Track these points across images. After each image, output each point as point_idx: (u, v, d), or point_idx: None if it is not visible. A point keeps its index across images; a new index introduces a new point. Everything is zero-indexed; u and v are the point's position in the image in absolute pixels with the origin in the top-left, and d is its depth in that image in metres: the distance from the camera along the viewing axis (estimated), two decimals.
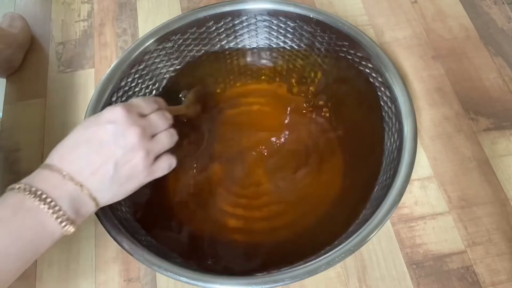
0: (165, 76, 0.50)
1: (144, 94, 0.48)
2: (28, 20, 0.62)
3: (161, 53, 0.48)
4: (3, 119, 0.55)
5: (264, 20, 0.50)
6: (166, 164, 0.36)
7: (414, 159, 0.39)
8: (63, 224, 0.30)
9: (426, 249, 0.45)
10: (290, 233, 0.44)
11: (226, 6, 0.48)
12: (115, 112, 0.32)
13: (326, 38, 0.48)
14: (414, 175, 0.47)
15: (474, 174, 0.49)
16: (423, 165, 0.49)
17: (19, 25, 0.60)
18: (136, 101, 0.35)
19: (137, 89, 0.48)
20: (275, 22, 0.50)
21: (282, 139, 0.50)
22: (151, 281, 0.44)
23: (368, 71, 0.46)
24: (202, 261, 0.41)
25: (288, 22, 0.49)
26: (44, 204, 0.29)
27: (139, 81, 0.48)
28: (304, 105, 0.51)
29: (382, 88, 0.45)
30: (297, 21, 0.49)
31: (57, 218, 0.29)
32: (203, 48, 0.51)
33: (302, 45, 0.51)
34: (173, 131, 0.37)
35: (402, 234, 0.46)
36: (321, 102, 0.51)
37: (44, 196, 0.29)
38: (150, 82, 0.49)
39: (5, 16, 0.63)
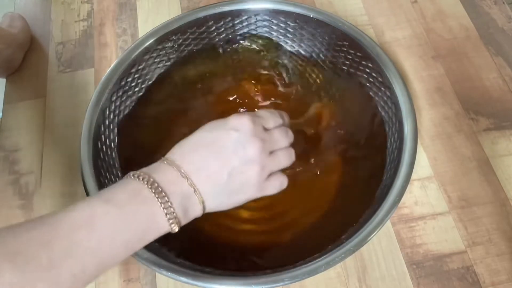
0: (161, 71, 0.49)
1: (144, 94, 0.48)
2: (28, 20, 0.62)
3: (161, 53, 0.48)
4: (3, 119, 0.55)
5: (264, 20, 0.50)
6: (278, 183, 0.34)
7: (414, 159, 0.39)
8: (171, 221, 0.30)
9: (426, 249, 0.45)
10: (290, 233, 0.44)
11: (226, 6, 0.48)
12: (242, 121, 0.32)
13: (326, 38, 0.48)
14: (414, 175, 0.47)
15: (474, 174, 0.49)
16: (423, 165, 0.49)
17: (19, 25, 0.60)
18: (263, 113, 0.35)
19: (137, 89, 0.48)
20: (275, 22, 0.50)
21: None
22: (151, 281, 0.44)
23: (368, 70, 0.46)
24: (202, 261, 0.41)
25: (288, 22, 0.49)
26: (158, 197, 0.29)
27: (139, 81, 0.48)
28: (304, 105, 0.51)
29: (382, 88, 0.45)
30: (297, 21, 0.49)
31: (166, 214, 0.29)
32: (203, 48, 0.51)
33: (302, 45, 0.51)
34: (291, 151, 0.36)
35: (402, 234, 0.46)
36: (321, 102, 0.51)
37: (159, 189, 0.29)
38: (150, 82, 0.49)
39: (5, 16, 0.63)
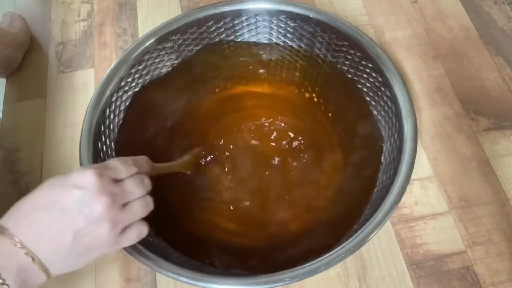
0: (161, 71, 0.49)
1: (144, 94, 0.48)
2: (28, 20, 0.62)
3: (161, 53, 0.48)
4: (3, 119, 0.55)
5: (264, 20, 0.50)
6: (136, 234, 0.32)
7: (414, 159, 0.39)
8: None
9: (426, 249, 0.45)
10: (290, 233, 0.44)
11: (226, 6, 0.48)
12: (85, 177, 0.29)
13: (326, 38, 0.48)
14: (414, 175, 0.47)
15: (474, 174, 0.49)
16: (423, 165, 0.49)
17: (19, 25, 0.60)
18: (112, 163, 0.32)
19: (137, 89, 0.48)
20: (275, 22, 0.50)
21: (282, 139, 0.50)
22: (151, 281, 0.44)
23: (368, 70, 0.46)
24: (202, 261, 0.41)
25: (288, 22, 0.49)
26: None
27: (139, 81, 0.48)
28: (304, 105, 0.51)
29: (382, 88, 0.45)
30: (297, 21, 0.49)
31: None
32: (203, 48, 0.51)
33: (302, 45, 0.51)
34: (149, 199, 0.33)
35: (402, 234, 0.46)
36: (321, 102, 0.51)
37: None
38: (150, 82, 0.49)
39: (5, 16, 0.63)
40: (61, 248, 0.29)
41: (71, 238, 0.28)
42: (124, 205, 0.31)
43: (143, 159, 0.35)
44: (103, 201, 0.29)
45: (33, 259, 0.28)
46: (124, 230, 0.31)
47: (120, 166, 0.32)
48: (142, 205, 0.32)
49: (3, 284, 0.27)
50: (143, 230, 0.33)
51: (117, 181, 0.31)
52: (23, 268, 0.28)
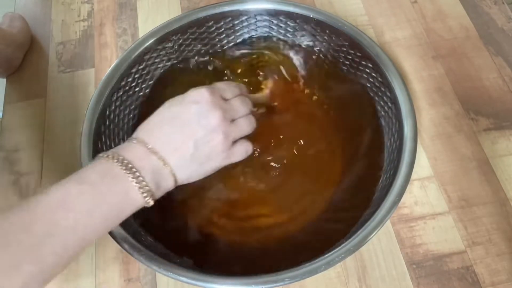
0: (162, 71, 0.49)
1: (144, 94, 0.48)
2: (28, 20, 0.62)
3: (161, 53, 0.48)
4: (3, 119, 0.55)
5: (264, 20, 0.50)
6: (243, 149, 0.36)
7: (414, 159, 0.39)
8: (144, 195, 0.31)
9: (426, 249, 0.45)
10: (290, 233, 0.44)
11: (226, 6, 0.48)
12: (200, 93, 0.34)
13: (326, 38, 0.48)
14: (414, 175, 0.47)
15: (474, 174, 0.49)
16: (423, 165, 0.49)
17: (19, 25, 0.60)
18: (220, 84, 0.36)
19: (137, 89, 0.48)
20: (275, 22, 0.50)
21: (282, 139, 0.50)
22: (151, 281, 0.44)
23: (368, 70, 0.46)
24: (202, 261, 0.41)
25: (288, 22, 0.49)
26: (129, 173, 0.30)
27: (139, 81, 0.48)
28: (304, 104, 0.51)
29: (382, 88, 0.45)
30: (297, 21, 0.49)
31: (139, 188, 0.30)
32: (203, 48, 0.51)
33: (302, 45, 0.51)
34: (252, 118, 0.37)
35: (402, 234, 0.46)
36: (321, 102, 0.51)
37: (130, 165, 0.30)
38: (150, 82, 0.49)
39: (5, 16, 0.63)
40: (185, 156, 0.33)
41: (193, 147, 0.33)
42: (232, 121, 0.35)
43: (242, 85, 0.39)
44: (217, 113, 0.33)
45: (164, 163, 0.32)
46: (233, 144, 0.35)
47: (226, 87, 0.36)
48: (247, 122, 0.36)
49: (142, 181, 0.30)
50: (249, 147, 0.37)
51: (225, 100, 0.35)
52: (157, 170, 0.31)
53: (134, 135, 0.33)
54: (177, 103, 0.34)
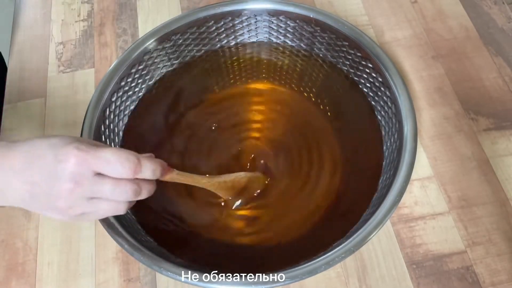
0: (161, 71, 0.49)
1: (144, 94, 0.48)
2: (28, 20, 0.62)
3: (161, 53, 0.48)
4: (3, 119, 0.55)
5: (264, 20, 0.50)
6: (91, 218, 0.32)
7: (414, 159, 0.39)
8: None
9: (426, 249, 0.45)
10: (290, 233, 0.44)
11: (226, 6, 0.48)
12: (68, 155, 0.29)
13: (326, 38, 0.48)
14: (414, 175, 0.47)
15: (474, 174, 0.49)
16: (423, 165, 0.49)
17: None
18: (108, 155, 0.30)
19: (137, 89, 0.48)
20: (275, 22, 0.50)
21: (282, 139, 0.50)
22: (151, 281, 0.44)
23: (368, 70, 0.46)
24: (202, 261, 0.41)
25: (288, 22, 0.49)
26: None
27: (139, 81, 0.48)
28: (304, 104, 0.51)
29: (382, 88, 0.45)
30: (297, 21, 0.49)
31: None
32: (203, 48, 0.51)
33: (302, 45, 0.51)
34: (121, 205, 0.32)
35: (402, 234, 0.46)
36: (320, 102, 0.51)
37: None
38: (150, 82, 0.49)
39: None
40: (25, 194, 0.30)
41: (29, 192, 0.30)
42: (92, 198, 0.31)
43: (154, 164, 0.32)
44: (66, 185, 0.29)
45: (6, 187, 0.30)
46: (82, 214, 0.31)
47: (112, 160, 0.30)
48: (107, 207, 0.31)
49: None
50: (94, 217, 0.32)
51: (97, 173, 0.30)
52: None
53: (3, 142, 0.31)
54: (51, 147, 0.30)
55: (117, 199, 0.31)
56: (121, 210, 0.32)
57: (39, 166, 0.30)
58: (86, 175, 0.29)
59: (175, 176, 0.35)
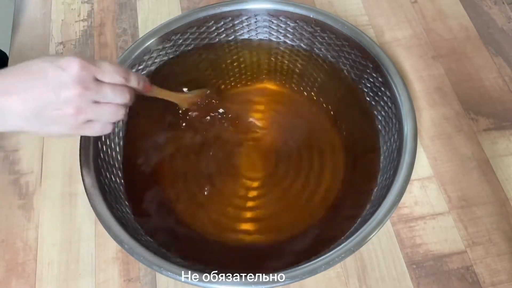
0: (161, 71, 0.49)
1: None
2: (28, 20, 0.62)
3: (161, 53, 0.48)
4: None
5: (264, 20, 0.50)
6: (98, 129, 0.35)
7: (414, 159, 0.39)
8: None
9: (426, 249, 0.45)
10: (290, 233, 0.44)
11: (226, 6, 0.48)
12: (71, 63, 0.32)
13: (326, 38, 0.48)
14: (414, 175, 0.47)
15: (474, 174, 0.49)
16: (423, 165, 0.49)
17: None
18: (103, 64, 0.34)
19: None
20: (275, 22, 0.50)
21: (282, 139, 0.50)
22: (151, 281, 0.44)
23: (368, 70, 0.46)
24: (202, 261, 0.41)
25: (288, 22, 0.49)
26: None
27: None
28: (304, 104, 0.51)
29: (382, 88, 0.45)
30: (297, 21, 0.49)
31: None
32: (203, 47, 0.51)
33: (302, 45, 0.51)
34: (120, 109, 0.35)
35: (402, 234, 0.46)
36: (321, 102, 0.51)
37: None
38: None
39: None
40: (27, 110, 0.32)
41: (35, 107, 0.31)
42: (96, 102, 0.33)
43: (138, 77, 0.37)
44: (74, 89, 0.32)
45: (4, 107, 0.31)
46: (88, 122, 0.34)
47: (108, 69, 0.34)
48: (111, 110, 0.35)
49: None
50: (106, 129, 0.36)
51: (98, 80, 0.33)
52: None
53: None
54: (48, 60, 0.32)
55: (116, 101, 0.35)
56: (120, 114, 0.36)
57: (42, 79, 0.31)
58: (90, 79, 0.33)
59: (154, 90, 0.41)
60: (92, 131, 0.35)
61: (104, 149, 0.43)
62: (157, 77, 0.48)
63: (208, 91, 0.50)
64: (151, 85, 0.40)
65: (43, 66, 0.32)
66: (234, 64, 0.53)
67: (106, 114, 0.35)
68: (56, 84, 0.31)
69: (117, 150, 0.45)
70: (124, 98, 0.35)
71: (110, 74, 0.34)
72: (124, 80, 0.35)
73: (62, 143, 0.52)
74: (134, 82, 0.37)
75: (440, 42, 0.58)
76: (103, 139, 0.43)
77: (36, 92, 0.31)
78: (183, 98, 0.48)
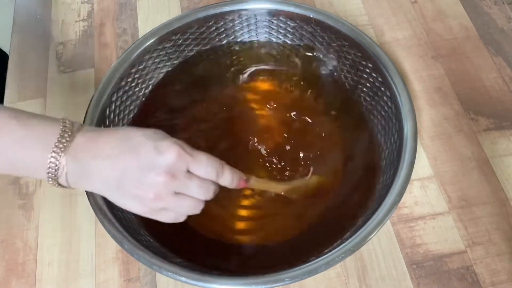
0: (162, 71, 0.49)
1: (144, 94, 0.48)
2: (28, 20, 0.62)
3: (161, 53, 0.48)
4: None
5: (264, 20, 0.50)
6: (171, 217, 0.34)
7: (414, 159, 0.39)
8: (49, 175, 0.31)
9: (426, 249, 0.45)
10: (290, 233, 0.44)
11: (226, 6, 0.48)
12: (170, 149, 0.31)
13: (326, 38, 0.48)
14: (414, 175, 0.47)
15: (474, 174, 0.49)
16: (423, 165, 0.49)
17: None
18: (202, 157, 0.32)
19: (137, 89, 0.48)
20: (275, 22, 0.50)
21: (282, 139, 0.50)
22: (151, 281, 0.44)
23: (368, 70, 0.46)
24: (202, 261, 0.41)
25: (288, 22, 0.49)
26: (56, 147, 0.30)
27: (139, 81, 0.48)
28: (304, 104, 0.51)
29: (382, 88, 0.45)
30: (297, 21, 0.49)
31: (50, 165, 0.30)
32: (203, 48, 0.51)
33: (302, 45, 0.51)
34: (199, 204, 0.34)
35: (402, 234, 0.46)
36: (321, 102, 0.51)
37: (63, 143, 0.30)
38: (150, 82, 0.49)
39: None
40: (110, 179, 0.31)
41: (125, 179, 0.31)
42: (178, 193, 0.32)
43: (232, 173, 0.35)
44: (163, 176, 0.30)
45: (89, 171, 0.31)
46: (164, 209, 0.32)
47: (204, 163, 0.32)
48: (189, 205, 0.33)
49: (56, 163, 0.30)
50: (179, 219, 0.34)
51: (189, 172, 0.32)
52: (81, 168, 0.31)
53: (85, 126, 0.32)
54: (150, 138, 0.31)
55: (199, 197, 0.33)
56: (198, 209, 0.34)
57: (136, 154, 0.31)
58: (182, 170, 0.31)
59: (251, 182, 0.38)
60: (165, 218, 0.34)
61: None
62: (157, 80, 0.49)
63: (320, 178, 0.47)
64: (247, 181, 0.37)
65: (142, 142, 0.31)
66: (234, 64, 0.53)
67: (183, 207, 0.33)
68: (148, 164, 0.30)
69: None
70: (207, 195, 0.34)
71: (204, 168, 0.33)
72: (216, 176, 0.33)
73: None
74: (226, 180, 0.34)
75: (440, 42, 0.58)
76: None
77: (126, 165, 0.30)
78: (282, 188, 0.45)
